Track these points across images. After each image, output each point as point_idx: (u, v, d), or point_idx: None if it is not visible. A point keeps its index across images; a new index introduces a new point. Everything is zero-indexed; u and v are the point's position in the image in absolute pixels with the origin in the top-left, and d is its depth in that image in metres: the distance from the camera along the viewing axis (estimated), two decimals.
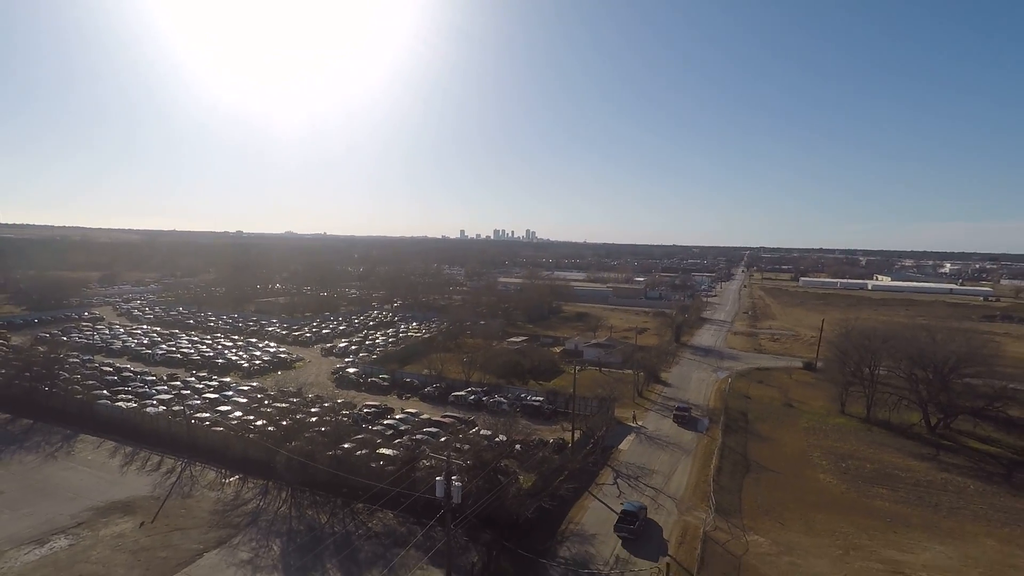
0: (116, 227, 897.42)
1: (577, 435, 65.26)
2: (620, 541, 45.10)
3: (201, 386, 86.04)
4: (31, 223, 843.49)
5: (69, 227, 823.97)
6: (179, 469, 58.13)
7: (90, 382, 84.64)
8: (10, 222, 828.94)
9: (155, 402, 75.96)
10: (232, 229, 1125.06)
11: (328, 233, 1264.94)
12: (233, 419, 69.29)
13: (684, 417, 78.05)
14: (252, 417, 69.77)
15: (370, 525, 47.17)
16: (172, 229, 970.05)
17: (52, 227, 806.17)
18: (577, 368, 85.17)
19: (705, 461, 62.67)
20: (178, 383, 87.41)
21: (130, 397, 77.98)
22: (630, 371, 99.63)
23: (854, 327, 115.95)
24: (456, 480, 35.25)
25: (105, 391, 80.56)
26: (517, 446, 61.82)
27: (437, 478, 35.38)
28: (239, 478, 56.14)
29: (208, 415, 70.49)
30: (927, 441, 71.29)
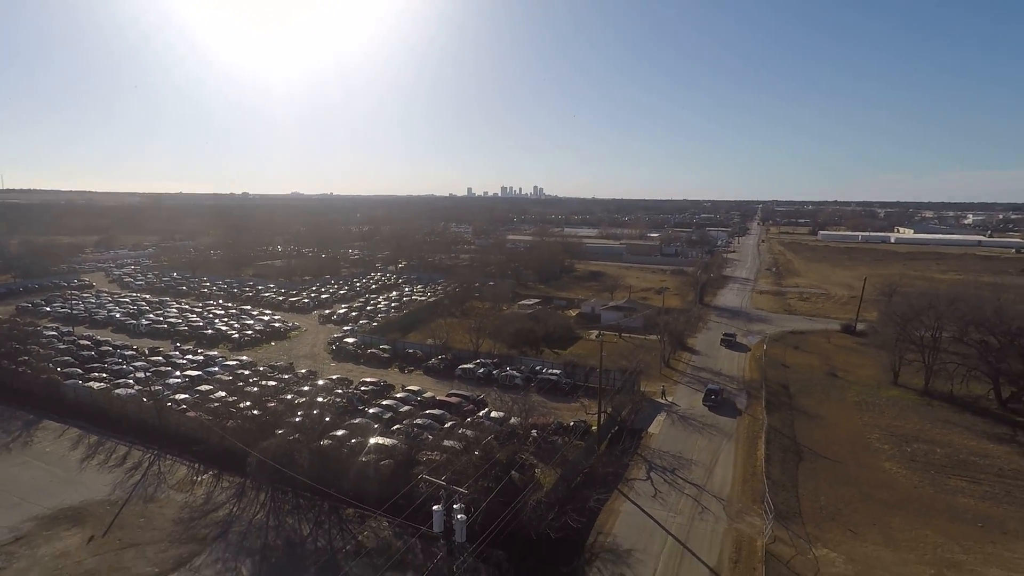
0: (123, 190, 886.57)
1: (601, 418, 57.09)
2: (660, 562, 37.25)
3: (184, 361, 78.64)
4: (39, 188, 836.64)
5: (75, 191, 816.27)
6: (146, 464, 50.86)
7: (65, 358, 77.30)
8: (19, 187, 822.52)
9: (130, 381, 68.58)
10: (239, 191, 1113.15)
11: (334, 193, 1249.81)
12: (215, 400, 61.72)
13: (731, 341, 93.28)
14: (235, 398, 62.07)
15: (360, 538, 39.62)
16: (178, 192, 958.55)
17: (58, 192, 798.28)
18: (598, 335, 76.88)
19: (749, 447, 54.50)
20: (159, 358, 79.99)
21: (103, 375, 70.65)
22: (653, 337, 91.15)
23: (899, 285, 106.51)
24: (460, 512, 26.89)
25: (79, 368, 73.34)
26: (533, 432, 53.98)
27: (435, 507, 27.16)
28: (213, 475, 48.81)
29: (187, 396, 62.96)
30: (999, 418, 62.52)
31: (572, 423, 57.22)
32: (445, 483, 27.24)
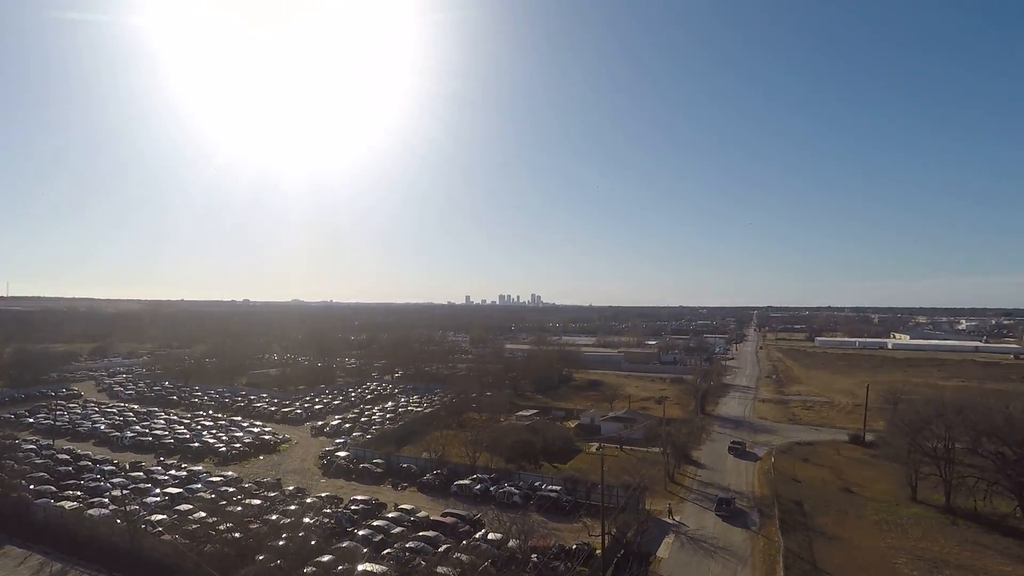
0: (125, 297, 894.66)
1: (606, 540, 53.33)
2: None
3: (166, 477, 74.91)
4: (44, 295, 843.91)
5: (79, 298, 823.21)
6: None
7: (40, 474, 73.72)
8: (25, 295, 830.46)
9: (106, 498, 64.87)
10: (240, 298, 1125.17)
11: (334, 301, 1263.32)
12: (193, 522, 57.98)
13: (739, 450, 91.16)
14: (216, 519, 58.42)
15: None
16: (180, 299, 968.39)
17: (62, 299, 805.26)
18: (597, 448, 74.03)
19: (767, 573, 50.44)
20: (140, 473, 76.27)
21: (78, 493, 66.86)
22: (655, 449, 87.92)
23: (903, 393, 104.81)
24: None
25: (53, 485, 69.66)
26: (533, 557, 50.27)
27: None
28: None
29: (164, 517, 59.18)
30: None
31: (575, 546, 53.32)
32: None
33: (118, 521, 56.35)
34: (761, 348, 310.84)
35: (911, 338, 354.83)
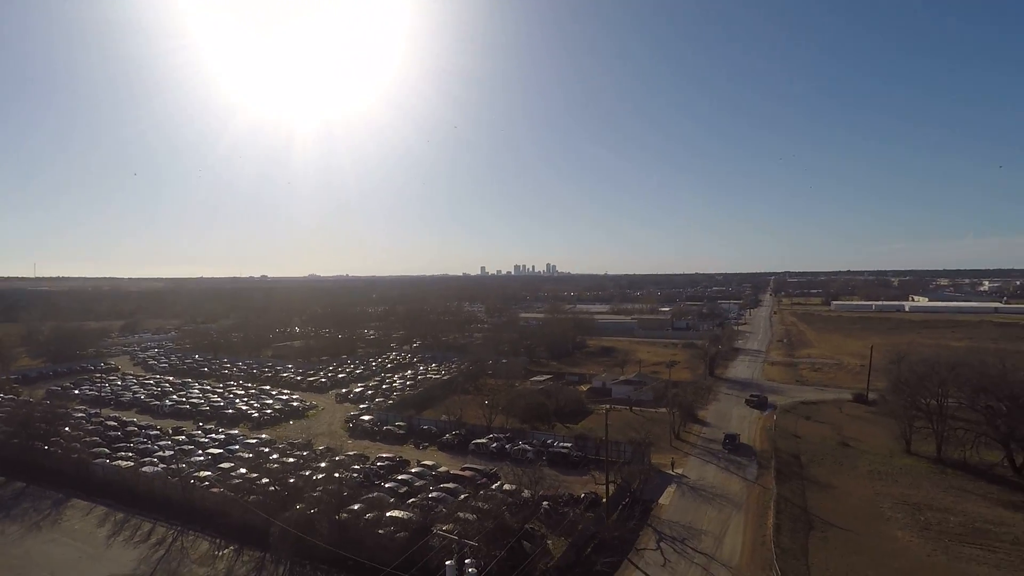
0: (147, 276, 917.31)
1: (611, 488, 58.05)
2: None
3: (207, 440, 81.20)
4: (68, 275, 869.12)
5: (102, 278, 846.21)
6: (170, 539, 52.47)
7: (93, 439, 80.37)
8: (49, 275, 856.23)
9: (155, 459, 71.09)
10: (257, 274, 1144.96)
11: (350, 275, 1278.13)
12: (236, 477, 63.83)
13: (756, 402, 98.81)
14: (256, 475, 64.14)
15: None
16: (200, 276, 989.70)
17: (86, 279, 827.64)
18: (607, 408, 78.54)
19: (760, 516, 54.84)
20: (183, 437, 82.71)
21: (130, 454, 73.31)
22: (664, 410, 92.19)
23: (907, 353, 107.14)
24: (471, 567, 28.83)
25: (106, 448, 76.18)
26: (545, 503, 55.29)
27: (447, 562, 29.14)
28: (234, 549, 50.20)
29: (209, 473, 65.19)
30: (1015, 485, 62.13)
31: (583, 494, 58.19)
32: (456, 537, 29.29)
33: (170, 477, 62.54)
34: (775, 313, 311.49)
35: (930, 300, 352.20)
